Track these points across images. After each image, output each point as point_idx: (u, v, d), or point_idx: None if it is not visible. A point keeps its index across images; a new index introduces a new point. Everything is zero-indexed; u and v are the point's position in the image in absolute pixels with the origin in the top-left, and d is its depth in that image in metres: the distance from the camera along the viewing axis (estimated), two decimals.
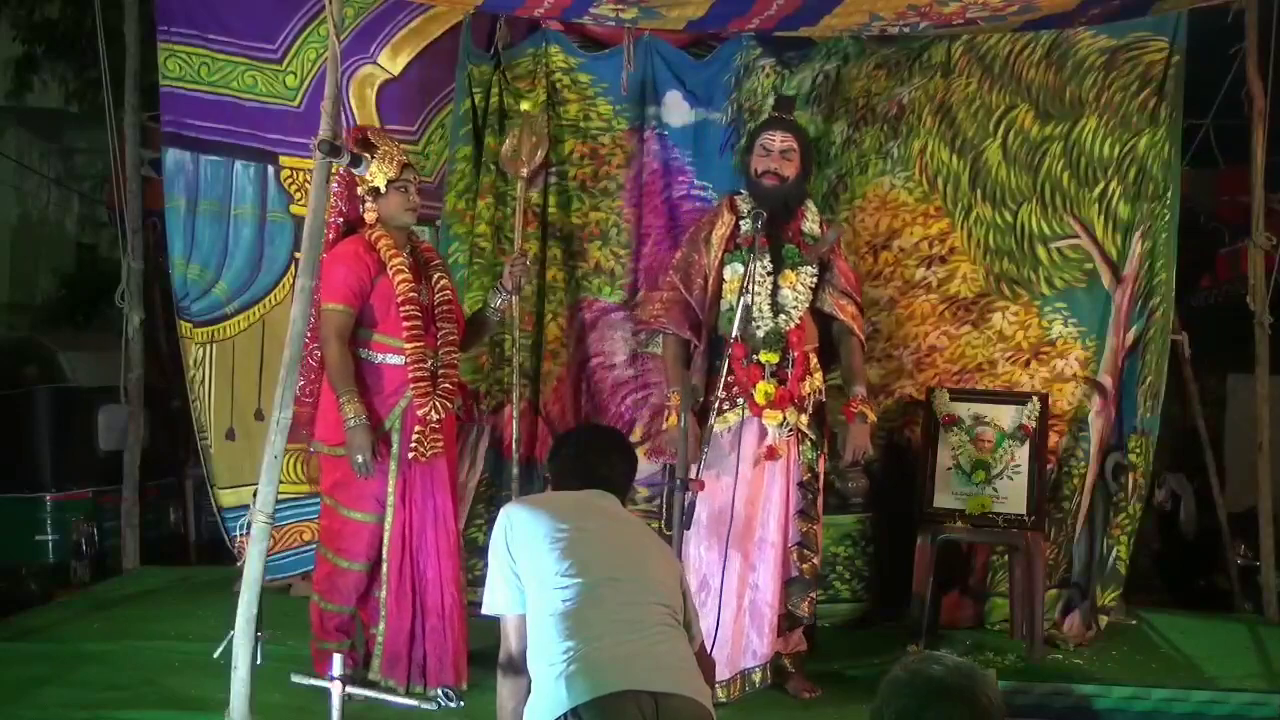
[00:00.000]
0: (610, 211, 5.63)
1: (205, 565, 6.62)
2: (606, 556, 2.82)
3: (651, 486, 5.47)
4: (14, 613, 5.65)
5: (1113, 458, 5.34)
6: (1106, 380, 5.36)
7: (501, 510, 2.94)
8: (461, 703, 4.18)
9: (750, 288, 4.36)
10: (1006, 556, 5.28)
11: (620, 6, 5.00)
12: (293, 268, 5.72)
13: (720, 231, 4.57)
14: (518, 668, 2.83)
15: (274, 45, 5.81)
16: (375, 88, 5.79)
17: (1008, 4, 4.81)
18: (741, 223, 4.52)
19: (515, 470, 5.07)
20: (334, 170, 4.26)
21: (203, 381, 5.91)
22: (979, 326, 5.43)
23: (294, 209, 5.83)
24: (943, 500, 5.08)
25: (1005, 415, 5.13)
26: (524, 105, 5.36)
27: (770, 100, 5.52)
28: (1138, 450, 5.29)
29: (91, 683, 4.46)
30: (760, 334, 4.44)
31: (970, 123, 5.46)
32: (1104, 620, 5.25)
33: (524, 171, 5.20)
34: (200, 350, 5.91)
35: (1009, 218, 5.43)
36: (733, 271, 4.49)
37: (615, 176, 5.63)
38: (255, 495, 3.89)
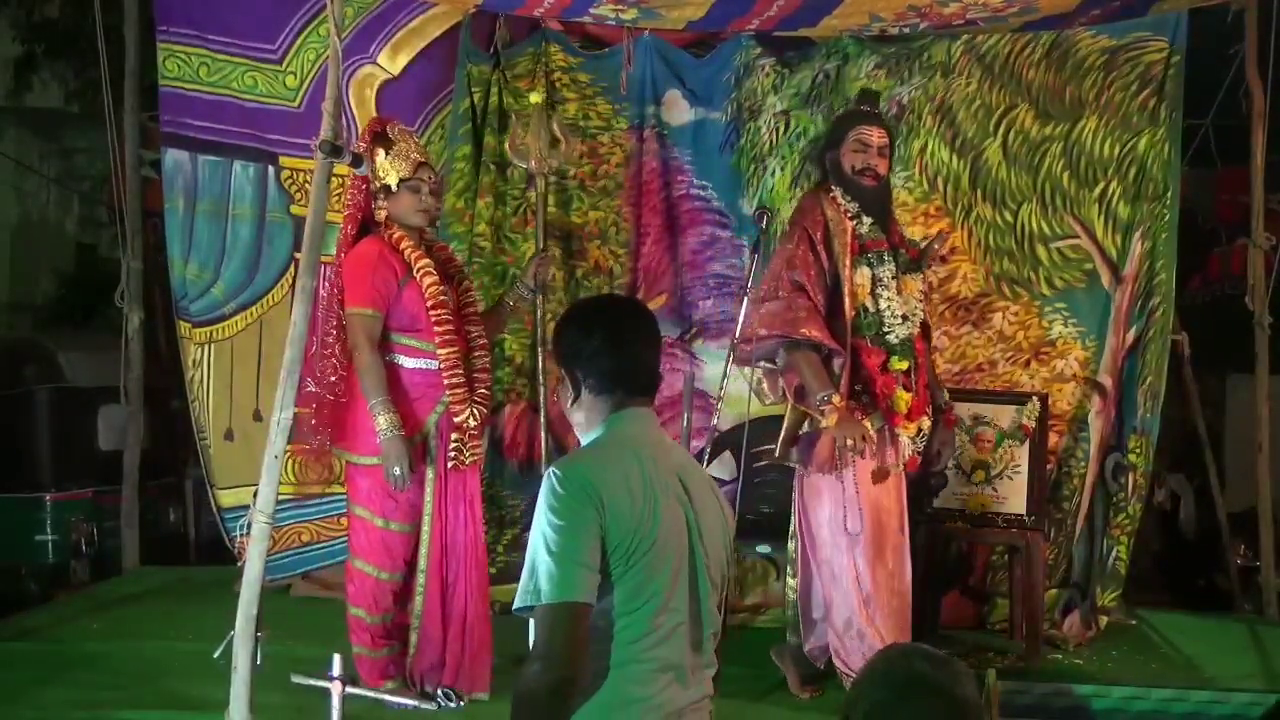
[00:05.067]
0: (609, 210, 5.64)
1: (205, 565, 6.61)
2: (683, 568, 2.35)
3: None
4: (14, 613, 5.65)
5: (1113, 458, 5.35)
6: (1106, 380, 5.36)
7: (565, 472, 2.29)
8: (462, 703, 4.18)
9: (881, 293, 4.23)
10: (1006, 556, 5.28)
11: (620, 7, 5.01)
12: (292, 268, 5.73)
13: (840, 234, 4.24)
14: (580, 677, 2.22)
15: (274, 45, 5.81)
16: (375, 88, 5.79)
17: (1008, 4, 4.83)
18: (856, 224, 4.26)
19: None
20: (347, 171, 4.23)
21: (201, 382, 5.91)
22: (979, 326, 5.44)
23: (294, 209, 5.83)
24: (943, 500, 5.08)
25: (1005, 415, 5.12)
26: (533, 98, 5.27)
27: (770, 99, 5.54)
28: (1138, 450, 5.29)
29: (91, 683, 4.46)
30: (893, 340, 4.25)
31: (970, 123, 5.46)
32: (1104, 620, 5.25)
33: (543, 167, 5.12)
34: (199, 350, 5.92)
35: (1009, 218, 5.44)
36: (863, 275, 4.24)
37: (614, 175, 5.63)
38: (255, 495, 3.88)
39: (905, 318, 4.27)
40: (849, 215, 4.26)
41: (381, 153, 4.20)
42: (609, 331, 2.44)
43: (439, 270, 4.22)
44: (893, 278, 4.26)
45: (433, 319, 4.13)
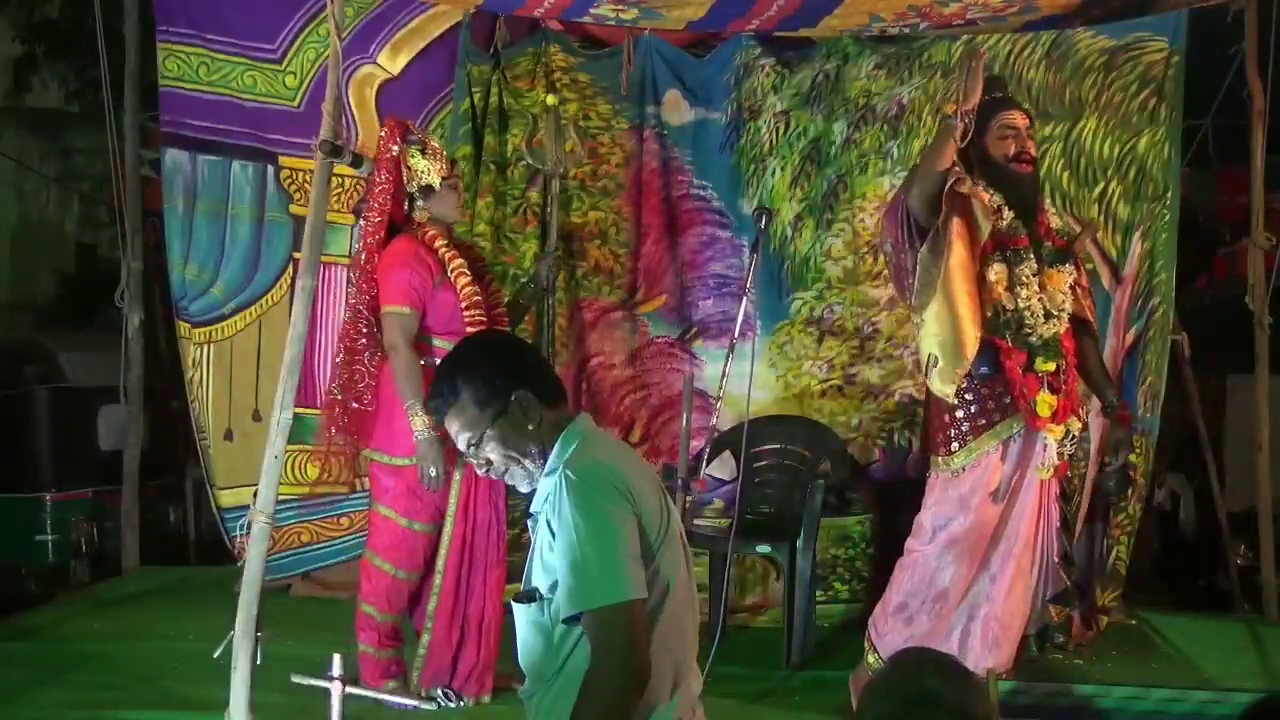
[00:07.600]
0: (610, 210, 5.63)
1: (205, 565, 6.61)
2: (679, 538, 2.37)
3: None
4: (14, 613, 5.65)
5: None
6: None
7: (583, 468, 2.24)
8: (461, 703, 4.18)
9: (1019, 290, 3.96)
10: None
11: (620, 7, 5.01)
12: (290, 268, 5.73)
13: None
14: (648, 669, 2.20)
15: (273, 45, 5.81)
16: (375, 88, 5.79)
17: (1008, 4, 4.83)
18: (995, 218, 3.98)
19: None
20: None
21: (201, 382, 5.91)
22: None
23: (293, 209, 5.83)
24: None
25: None
26: (550, 99, 5.24)
27: (770, 99, 5.54)
28: (1138, 450, 5.28)
29: (91, 683, 4.46)
30: (1035, 340, 3.97)
31: None
32: (1104, 620, 5.26)
33: (559, 169, 5.10)
34: (198, 350, 5.92)
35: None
36: (997, 272, 3.97)
37: (615, 175, 5.63)
38: (255, 495, 3.88)
39: (1049, 315, 4.00)
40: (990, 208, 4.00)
41: (417, 153, 4.20)
42: (524, 349, 2.61)
43: (471, 270, 4.23)
44: (1034, 274, 3.99)
45: (466, 320, 4.13)
